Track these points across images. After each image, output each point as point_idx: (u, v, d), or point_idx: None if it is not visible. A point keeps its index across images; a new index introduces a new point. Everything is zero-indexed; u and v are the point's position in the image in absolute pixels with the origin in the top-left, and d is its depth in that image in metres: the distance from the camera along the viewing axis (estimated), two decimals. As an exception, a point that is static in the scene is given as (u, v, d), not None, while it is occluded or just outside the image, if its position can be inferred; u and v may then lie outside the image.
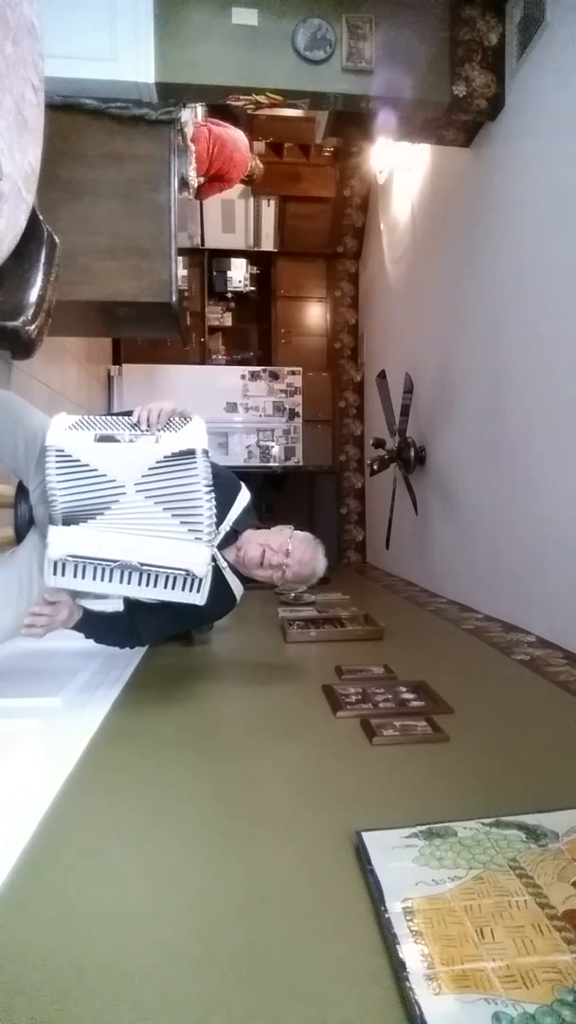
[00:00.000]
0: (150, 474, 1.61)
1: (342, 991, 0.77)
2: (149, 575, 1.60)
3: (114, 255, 2.82)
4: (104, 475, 1.60)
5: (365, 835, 1.05)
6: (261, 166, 3.79)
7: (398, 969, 0.78)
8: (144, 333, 4.91)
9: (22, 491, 1.93)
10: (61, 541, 1.57)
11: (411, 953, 0.80)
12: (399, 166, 4.58)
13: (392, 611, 3.37)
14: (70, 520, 1.57)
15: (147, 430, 1.64)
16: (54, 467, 1.58)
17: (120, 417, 1.70)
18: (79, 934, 0.87)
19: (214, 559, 1.71)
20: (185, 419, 1.69)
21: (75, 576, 1.60)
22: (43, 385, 3.48)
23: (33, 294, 1.55)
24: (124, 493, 1.60)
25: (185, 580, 1.61)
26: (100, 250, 2.80)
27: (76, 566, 1.59)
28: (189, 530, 1.60)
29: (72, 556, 1.56)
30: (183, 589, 1.63)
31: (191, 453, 1.61)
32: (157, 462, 1.60)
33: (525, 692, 1.97)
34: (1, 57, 1.13)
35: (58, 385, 3.86)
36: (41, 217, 1.55)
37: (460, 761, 1.43)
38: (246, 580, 1.86)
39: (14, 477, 1.96)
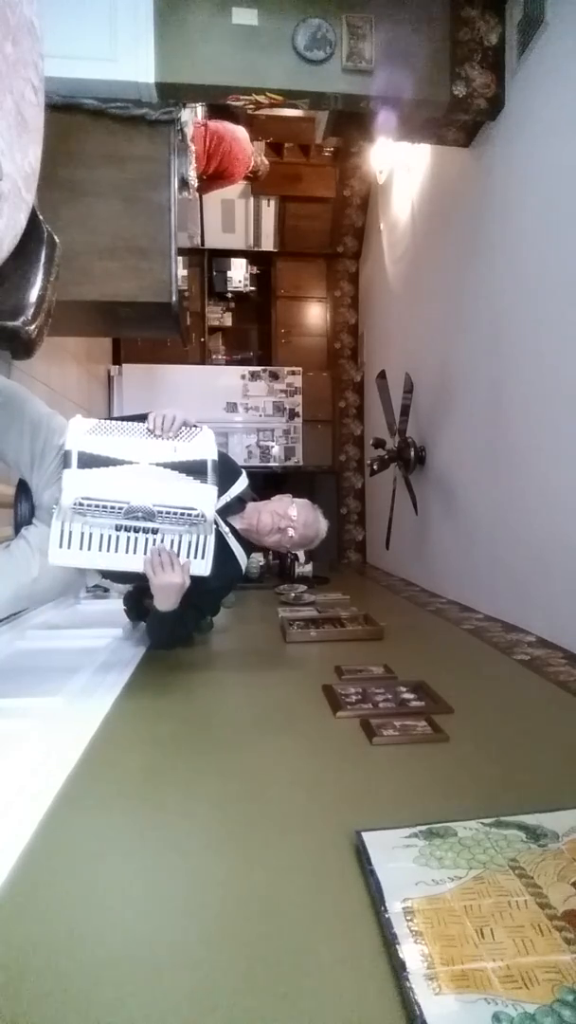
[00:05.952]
0: (163, 466, 1.75)
1: (342, 991, 0.77)
2: (157, 540, 1.72)
3: (114, 255, 2.82)
4: (122, 459, 1.72)
5: (365, 835, 1.04)
6: (267, 162, 3.76)
7: (398, 969, 0.78)
8: (144, 333, 4.92)
9: (22, 491, 1.93)
10: (76, 482, 1.65)
11: (411, 953, 0.80)
12: (399, 166, 4.58)
13: (392, 611, 3.37)
14: (86, 464, 1.67)
15: (160, 435, 1.77)
16: (75, 462, 1.68)
17: (134, 423, 1.81)
18: (79, 934, 0.87)
19: (217, 524, 1.83)
20: (193, 429, 1.83)
21: (81, 548, 1.68)
22: (43, 385, 3.48)
23: (33, 294, 1.55)
24: (138, 464, 1.73)
25: (191, 541, 1.75)
26: (100, 250, 2.81)
27: (83, 532, 1.67)
28: (195, 478, 1.76)
29: (85, 499, 1.64)
30: (188, 554, 1.76)
31: (203, 464, 1.77)
32: (172, 463, 1.75)
33: (525, 692, 1.97)
34: (1, 57, 1.13)
35: (58, 385, 3.86)
36: (41, 217, 1.55)
37: (460, 761, 1.43)
38: (249, 555, 2.05)
39: (14, 477, 1.96)
